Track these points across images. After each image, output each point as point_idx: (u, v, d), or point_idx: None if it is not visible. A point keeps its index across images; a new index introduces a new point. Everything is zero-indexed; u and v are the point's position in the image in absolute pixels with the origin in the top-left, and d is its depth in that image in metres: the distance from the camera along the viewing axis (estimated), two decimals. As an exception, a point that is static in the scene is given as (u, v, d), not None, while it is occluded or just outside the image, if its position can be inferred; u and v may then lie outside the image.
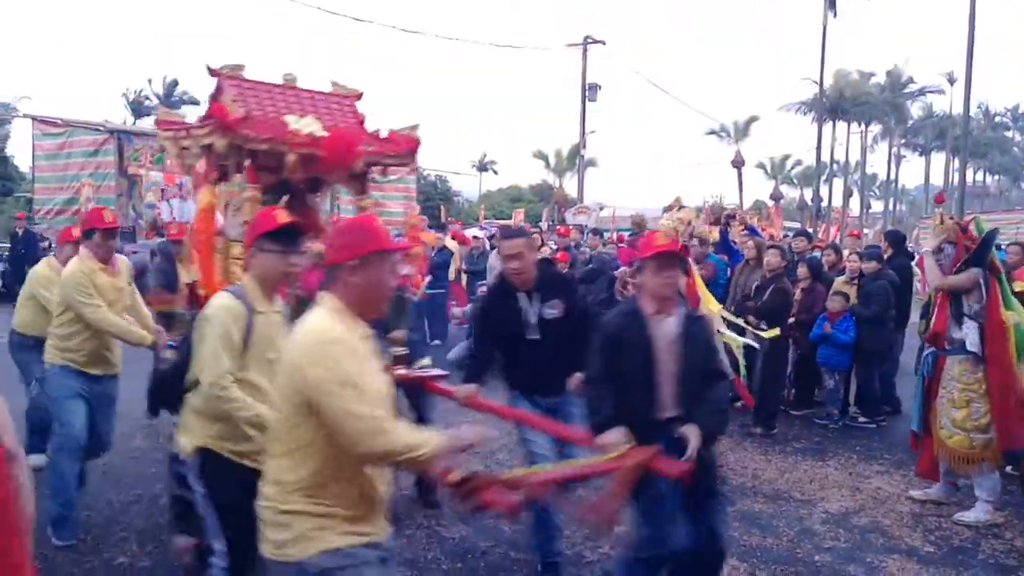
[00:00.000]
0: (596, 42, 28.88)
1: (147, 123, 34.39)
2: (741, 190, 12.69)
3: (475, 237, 12.55)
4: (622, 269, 7.62)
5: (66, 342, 4.36)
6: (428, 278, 8.81)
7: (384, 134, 4.45)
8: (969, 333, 4.96)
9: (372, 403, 2.13)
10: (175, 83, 43.10)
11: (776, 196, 19.51)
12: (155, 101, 42.72)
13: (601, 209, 21.74)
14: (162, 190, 18.15)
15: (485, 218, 23.52)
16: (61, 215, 18.13)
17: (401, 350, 4.38)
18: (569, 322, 3.86)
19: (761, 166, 49.51)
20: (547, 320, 3.84)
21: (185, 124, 4.34)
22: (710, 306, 4.68)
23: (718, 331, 4.47)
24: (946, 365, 5.09)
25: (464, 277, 11.90)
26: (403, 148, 4.40)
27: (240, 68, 4.17)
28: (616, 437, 3.04)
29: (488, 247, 11.56)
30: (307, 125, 4.04)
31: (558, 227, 14.68)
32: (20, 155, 26.55)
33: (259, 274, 2.97)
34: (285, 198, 4.05)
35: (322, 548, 2.15)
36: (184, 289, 5.95)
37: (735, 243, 8.99)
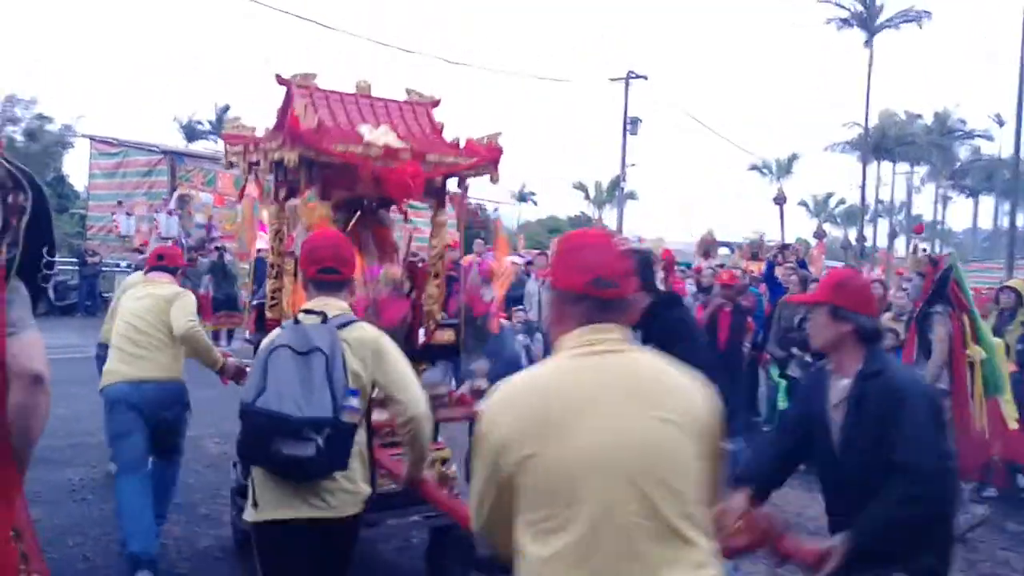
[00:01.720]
0: (638, 77, 29.17)
1: (199, 146, 35.50)
2: (783, 227, 12.62)
3: (514, 263, 12.68)
4: None
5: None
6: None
7: (462, 144, 4.08)
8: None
9: None
10: (226, 108, 44.22)
11: (819, 234, 19.23)
12: (207, 126, 43.98)
13: (640, 242, 21.78)
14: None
15: (525, 247, 23.78)
16: (113, 232, 18.77)
17: (483, 383, 3.80)
18: None
19: (803, 204, 49.13)
20: None
21: (253, 137, 4.05)
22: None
23: None
24: None
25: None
26: (484, 158, 3.99)
27: (312, 76, 3.90)
28: (737, 502, 2.43)
29: (525, 273, 11.68)
30: (381, 135, 3.73)
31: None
32: (74, 174, 27.90)
33: None
34: (356, 215, 3.83)
35: None
36: (248, 309, 5.31)
37: (779, 277, 8.91)
